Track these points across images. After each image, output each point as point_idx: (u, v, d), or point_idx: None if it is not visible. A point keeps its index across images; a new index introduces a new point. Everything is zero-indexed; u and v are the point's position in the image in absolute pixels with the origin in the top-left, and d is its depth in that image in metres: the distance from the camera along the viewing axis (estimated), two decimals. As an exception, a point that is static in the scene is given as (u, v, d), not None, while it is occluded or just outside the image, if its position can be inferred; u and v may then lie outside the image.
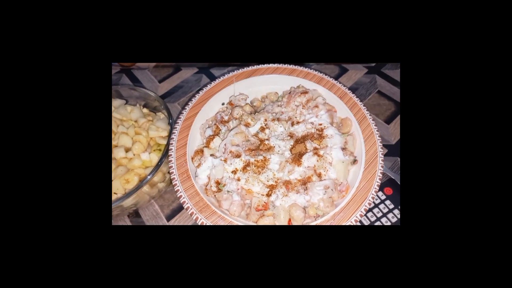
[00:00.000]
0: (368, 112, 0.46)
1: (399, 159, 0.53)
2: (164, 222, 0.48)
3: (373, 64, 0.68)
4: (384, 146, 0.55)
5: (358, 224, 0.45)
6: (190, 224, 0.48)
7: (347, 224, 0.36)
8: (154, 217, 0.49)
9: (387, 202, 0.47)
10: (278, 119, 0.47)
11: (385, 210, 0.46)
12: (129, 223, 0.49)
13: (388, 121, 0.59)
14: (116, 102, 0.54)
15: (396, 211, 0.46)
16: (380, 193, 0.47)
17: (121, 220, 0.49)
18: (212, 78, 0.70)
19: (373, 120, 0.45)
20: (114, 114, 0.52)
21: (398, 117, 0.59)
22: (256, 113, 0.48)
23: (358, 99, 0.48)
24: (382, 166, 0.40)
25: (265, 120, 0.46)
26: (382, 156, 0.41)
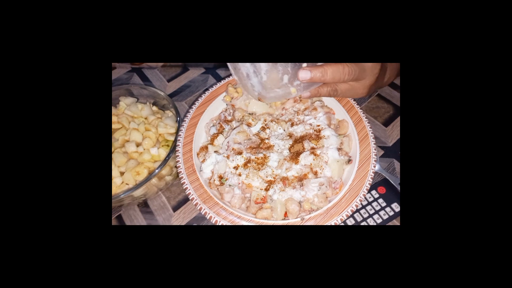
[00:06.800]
0: (364, 115, 0.49)
1: (395, 160, 0.55)
2: (170, 212, 0.52)
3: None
4: (381, 148, 0.57)
5: (351, 219, 0.48)
6: (194, 215, 0.52)
7: (339, 218, 0.38)
8: (162, 207, 0.53)
9: (380, 200, 0.49)
10: (278, 120, 0.50)
11: (378, 208, 0.48)
12: (138, 212, 0.52)
13: (386, 123, 0.61)
14: (128, 100, 0.58)
15: (388, 209, 0.48)
16: (373, 192, 0.50)
17: (131, 209, 0.53)
18: (218, 78, 0.73)
19: (368, 122, 0.48)
20: (126, 111, 0.56)
21: (396, 120, 0.61)
22: (258, 114, 0.51)
23: (355, 102, 0.51)
24: (374, 166, 0.43)
25: (265, 120, 0.49)
26: (375, 157, 0.44)
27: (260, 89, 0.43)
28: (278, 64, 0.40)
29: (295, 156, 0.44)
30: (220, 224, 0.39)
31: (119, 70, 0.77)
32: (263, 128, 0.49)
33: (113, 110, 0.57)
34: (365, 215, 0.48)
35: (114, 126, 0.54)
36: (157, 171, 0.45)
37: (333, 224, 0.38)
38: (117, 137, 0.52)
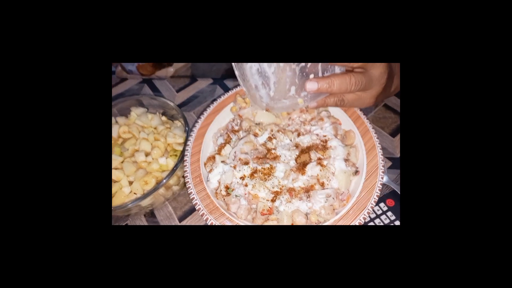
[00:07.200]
0: (371, 125, 0.49)
1: (403, 171, 0.54)
2: (176, 222, 0.52)
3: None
4: (389, 159, 0.56)
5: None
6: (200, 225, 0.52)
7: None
8: (168, 217, 0.53)
9: (389, 213, 0.48)
10: (284, 130, 0.50)
11: (387, 221, 0.47)
12: (145, 222, 0.53)
13: (394, 134, 0.60)
14: (138, 110, 0.60)
15: (397, 222, 0.47)
16: (382, 204, 0.49)
17: (138, 219, 0.53)
18: (226, 89, 0.74)
19: (375, 133, 0.48)
20: (136, 121, 0.57)
21: (404, 131, 0.61)
22: (265, 124, 0.51)
23: (361, 112, 0.50)
24: (382, 178, 0.42)
25: (272, 130, 0.50)
26: (383, 168, 0.43)
27: (268, 100, 0.44)
28: (286, 75, 0.41)
29: (301, 167, 0.44)
30: (226, 235, 0.39)
31: (131, 81, 0.80)
32: (270, 138, 0.49)
33: (124, 120, 0.58)
34: (374, 228, 0.47)
35: (124, 135, 0.55)
36: (164, 181, 0.46)
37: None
38: (127, 147, 0.53)
